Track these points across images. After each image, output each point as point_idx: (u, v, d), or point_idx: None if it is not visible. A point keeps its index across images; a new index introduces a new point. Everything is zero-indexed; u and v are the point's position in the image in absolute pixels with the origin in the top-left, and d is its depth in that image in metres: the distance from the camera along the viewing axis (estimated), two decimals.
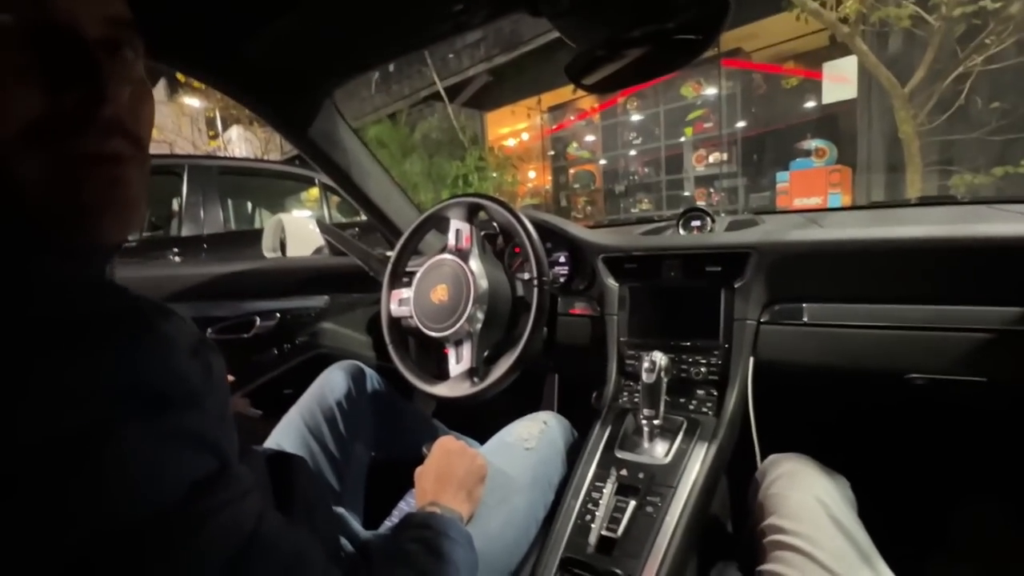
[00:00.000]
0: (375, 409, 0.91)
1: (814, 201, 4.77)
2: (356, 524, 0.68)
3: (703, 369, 0.84)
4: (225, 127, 10.75)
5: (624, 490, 0.71)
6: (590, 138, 7.21)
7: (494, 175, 6.96)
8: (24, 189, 0.30)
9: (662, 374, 0.75)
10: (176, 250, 2.49)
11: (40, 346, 0.25)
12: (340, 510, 0.68)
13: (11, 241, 0.30)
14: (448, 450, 0.66)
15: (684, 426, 0.79)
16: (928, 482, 1.03)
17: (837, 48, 4.71)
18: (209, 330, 1.24)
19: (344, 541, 0.60)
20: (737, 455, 0.79)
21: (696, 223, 1.03)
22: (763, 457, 0.73)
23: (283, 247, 1.52)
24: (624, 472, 0.73)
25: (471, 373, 0.84)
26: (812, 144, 5.17)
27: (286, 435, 0.80)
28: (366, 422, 0.89)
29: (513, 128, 8.08)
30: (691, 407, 0.83)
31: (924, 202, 1.15)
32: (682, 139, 6.10)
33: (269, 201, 4.10)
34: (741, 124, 5.79)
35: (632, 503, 0.68)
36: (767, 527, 0.58)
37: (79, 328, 0.26)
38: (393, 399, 0.96)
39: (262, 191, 3.89)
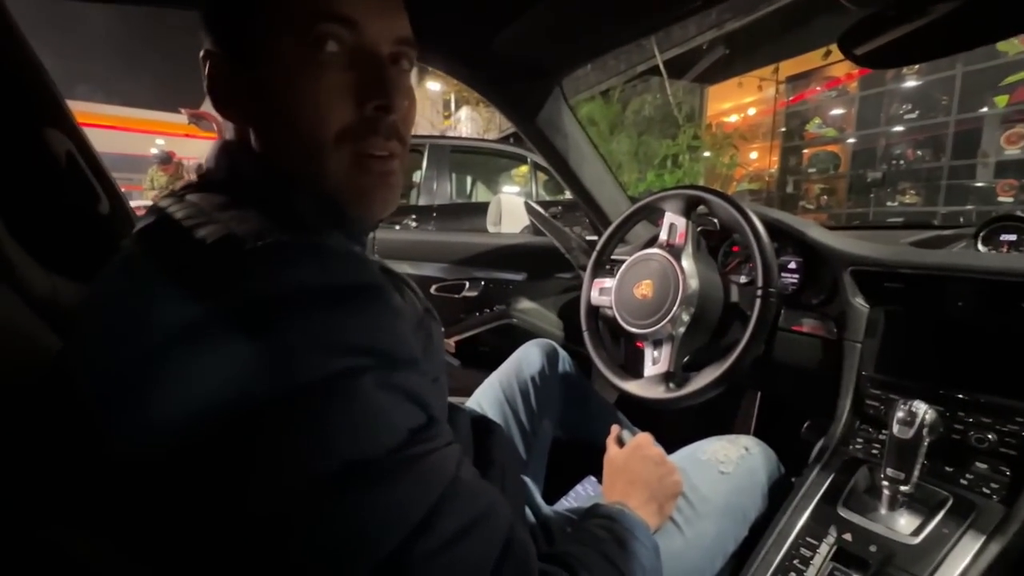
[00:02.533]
0: (564, 389, 0.94)
1: None
2: (538, 496, 0.72)
3: (991, 436, 0.62)
4: (457, 107, 12.22)
5: (846, 559, 0.58)
6: (838, 112, 5.88)
7: (707, 155, 6.35)
8: (330, 176, 0.40)
9: (924, 432, 0.59)
10: (414, 216, 2.96)
11: (326, 304, 0.32)
12: (526, 479, 0.73)
13: (317, 216, 0.40)
14: (646, 455, 0.64)
15: (949, 504, 0.60)
16: None
17: None
18: (433, 288, 1.46)
19: (527, 510, 0.64)
20: None
21: (1009, 237, 0.76)
22: None
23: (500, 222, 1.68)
24: (848, 537, 0.60)
25: (667, 377, 0.80)
26: None
27: (485, 398, 0.89)
28: (555, 400, 0.92)
29: (738, 102, 7.16)
30: (963, 482, 0.63)
31: None
32: (983, 110, 4.53)
33: (485, 176, 4.54)
34: None
35: None
36: None
37: (348, 293, 0.33)
38: (582, 383, 0.97)
39: (481, 167, 4.34)
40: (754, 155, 6.95)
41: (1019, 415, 0.61)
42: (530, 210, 1.33)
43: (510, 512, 0.37)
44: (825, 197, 6.10)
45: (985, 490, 0.61)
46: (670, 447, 0.78)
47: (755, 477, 0.72)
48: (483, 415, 0.71)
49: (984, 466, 0.63)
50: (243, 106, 0.40)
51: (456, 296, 1.46)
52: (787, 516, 0.65)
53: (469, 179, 4.55)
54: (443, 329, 0.54)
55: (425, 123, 11.56)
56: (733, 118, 7.25)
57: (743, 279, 0.92)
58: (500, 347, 1.05)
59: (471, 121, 11.91)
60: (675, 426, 1.04)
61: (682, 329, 0.79)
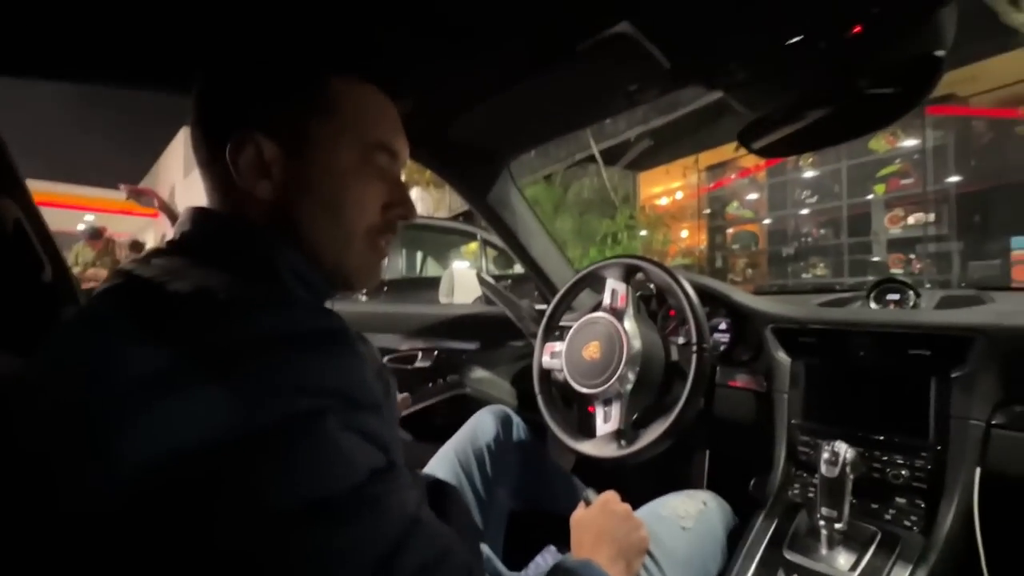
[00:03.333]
0: (520, 456, 0.94)
1: None
2: (499, 564, 0.70)
3: (904, 472, 0.69)
4: (408, 188, 12.63)
5: None
6: (752, 196, 6.69)
7: (643, 233, 6.87)
8: (353, 257, 0.47)
9: (847, 469, 0.65)
10: (364, 291, 2.95)
11: (294, 348, 0.34)
12: (485, 548, 0.71)
13: (297, 280, 0.44)
14: (613, 511, 0.65)
15: (878, 539, 0.65)
16: None
17: None
18: (385, 359, 1.44)
19: None
20: None
21: (893, 296, 0.89)
22: None
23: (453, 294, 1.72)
24: None
25: (618, 435, 0.83)
26: None
27: (440, 467, 0.87)
28: (511, 468, 0.92)
29: (667, 187, 7.95)
30: (887, 517, 0.69)
31: None
32: (869, 197, 5.30)
33: (436, 252, 4.64)
34: (954, 179, 4.83)
35: None
36: None
37: (314, 338, 0.35)
38: (537, 449, 0.98)
39: (431, 243, 4.45)
40: (685, 233, 7.60)
41: (924, 451, 0.69)
42: (482, 282, 1.39)
43: (469, 554, 0.38)
44: (749, 270, 6.71)
45: (906, 523, 0.67)
46: (631, 506, 0.79)
47: (714, 531, 0.74)
48: (439, 479, 0.70)
49: (903, 500, 0.69)
50: (283, 187, 0.44)
51: (408, 367, 1.45)
52: (739, 564, 0.67)
53: (420, 255, 4.63)
54: (396, 383, 0.56)
55: None
56: (664, 200, 7.99)
57: (681, 340, 1.00)
58: (453, 419, 1.05)
59: (421, 201, 12.28)
60: (633, 486, 1.05)
61: (629, 387, 0.84)
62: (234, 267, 0.40)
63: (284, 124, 0.44)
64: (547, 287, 1.27)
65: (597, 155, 6.64)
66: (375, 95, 0.48)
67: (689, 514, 0.73)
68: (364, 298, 2.93)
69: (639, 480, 1.21)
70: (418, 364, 1.45)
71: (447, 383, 1.45)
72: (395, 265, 3.22)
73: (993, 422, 0.66)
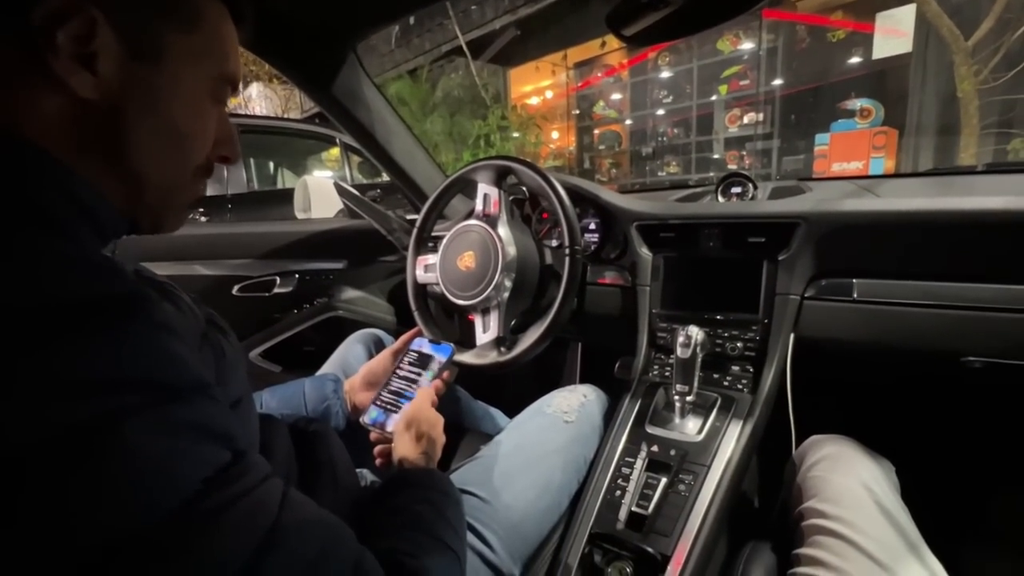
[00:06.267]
0: None
1: (855, 166, 4.51)
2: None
3: (739, 344, 0.80)
4: (245, 84, 10.64)
5: (655, 466, 0.69)
6: (617, 96, 6.89)
7: (516, 135, 6.77)
8: (175, 202, 0.41)
9: (698, 350, 0.72)
10: (201, 210, 2.51)
11: (59, 327, 0.24)
12: (365, 472, 0.68)
13: (73, 210, 0.32)
14: (402, 439, 0.58)
15: (718, 403, 0.76)
16: (978, 469, 0.99)
17: None
18: (235, 288, 1.25)
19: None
20: (771, 435, 0.77)
21: (736, 190, 0.97)
22: (799, 438, 0.70)
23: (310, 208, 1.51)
24: (655, 448, 0.71)
25: (498, 342, 0.83)
26: (857, 104, 4.83)
27: None
28: None
29: (537, 86, 7.78)
30: (725, 383, 0.80)
31: (992, 169, 1.05)
32: (714, 98, 5.78)
33: (291, 160, 4.08)
34: (778, 82, 5.45)
35: (663, 480, 0.66)
36: (806, 510, 0.56)
37: (75, 314, 0.25)
38: None
39: (284, 150, 3.88)
40: (555, 135, 7.66)
41: (754, 325, 0.80)
42: (342, 192, 1.23)
43: (354, 539, 0.34)
44: (614, 170, 7.11)
45: (739, 386, 0.79)
46: (518, 408, 0.81)
47: (594, 420, 0.80)
48: (302, 416, 0.64)
49: (737, 368, 0.81)
50: (117, 92, 0.34)
51: (266, 294, 1.28)
52: (609, 444, 0.74)
53: (272, 164, 4.03)
54: (235, 338, 0.46)
55: None
56: (535, 100, 7.85)
57: (554, 242, 1.00)
58: (327, 343, 0.96)
59: (265, 99, 10.53)
60: (515, 388, 1.10)
61: (506, 294, 0.82)
62: None
63: (134, 17, 0.34)
64: (415, 194, 1.16)
65: (464, 46, 6.17)
66: (227, 18, 0.40)
67: (572, 408, 0.78)
68: (204, 219, 2.51)
69: (520, 381, 1.27)
70: (277, 290, 1.29)
71: (315, 307, 1.33)
72: (238, 177, 2.75)
73: (805, 295, 0.78)
